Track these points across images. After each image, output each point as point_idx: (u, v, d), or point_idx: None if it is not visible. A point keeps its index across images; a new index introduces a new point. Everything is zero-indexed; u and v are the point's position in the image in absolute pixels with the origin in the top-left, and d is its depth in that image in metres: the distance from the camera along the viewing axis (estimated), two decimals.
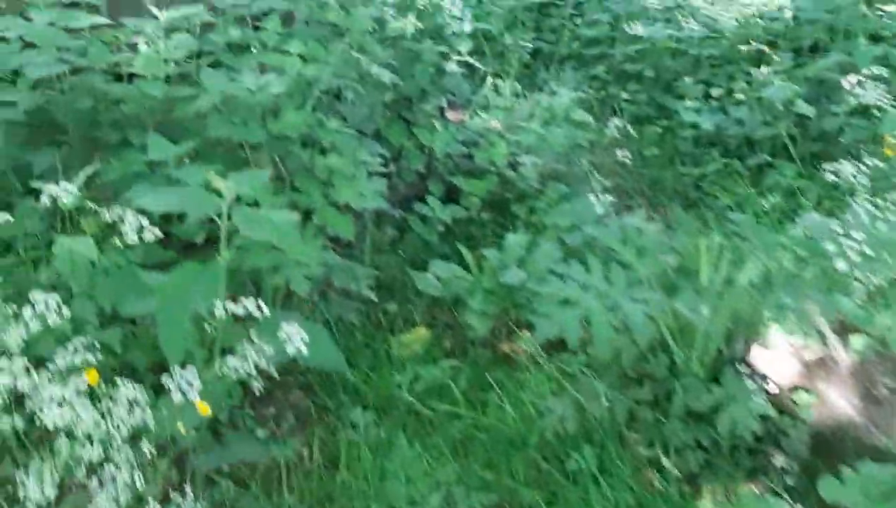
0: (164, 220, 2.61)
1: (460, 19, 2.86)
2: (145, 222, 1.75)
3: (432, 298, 2.99)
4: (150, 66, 2.47)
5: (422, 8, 2.95)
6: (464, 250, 3.00)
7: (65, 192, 1.74)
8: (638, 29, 4.42)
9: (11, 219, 1.81)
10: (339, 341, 2.73)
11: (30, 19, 2.64)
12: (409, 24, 2.71)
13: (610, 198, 2.62)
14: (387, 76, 2.65)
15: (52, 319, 1.50)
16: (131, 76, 2.73)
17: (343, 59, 2.59)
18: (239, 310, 1.48)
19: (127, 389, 1.47)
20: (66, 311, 1.53)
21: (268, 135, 2.57)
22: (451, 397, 2.55)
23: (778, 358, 2.37)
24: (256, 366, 1.48)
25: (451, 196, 3.49)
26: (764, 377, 2.27)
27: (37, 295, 1.54)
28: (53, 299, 1.53)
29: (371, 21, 2.70)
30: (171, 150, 2.36)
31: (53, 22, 2.58)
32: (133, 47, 2.98)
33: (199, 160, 2.60)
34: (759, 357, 2.37)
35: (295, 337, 1.49)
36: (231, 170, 2.73)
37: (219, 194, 1.44)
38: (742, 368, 2.31)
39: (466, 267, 2.99)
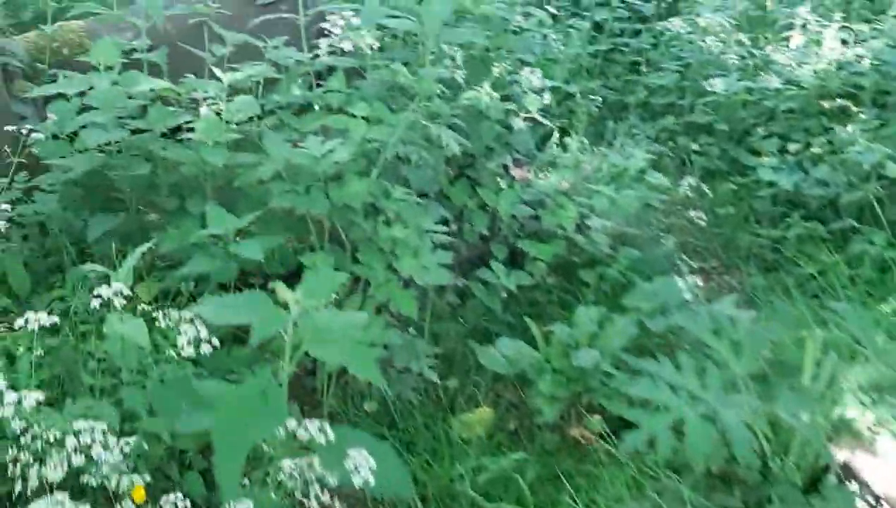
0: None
1: (540, 91, 2.70)
2: (203, 331, 1.62)
3: (495, 373, 2.81)
4: (211, 131, 2.37)
5: (497, 76, 2.81)
6: (531, 324, 2.82)
7: (116, 295, 1.61)
8: (717, 85, 4.21)
9: (55, 319, 1.67)
10: (398, 423, 2.57)
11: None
12: (485, 94, 2.57)
13: (698, 281, 2.42)
14: (455, 145, 2.50)
15: (97, 451, 1.36)
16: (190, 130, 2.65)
17: (410, 123, 2.45)
18: (302, 433, 1.33)
19: None
20: (111, 441, 1.40)
21: (331, 204, 2.44)
22: (518, 491, 2.36)
23: (887, 467, 2.13)
24: (318, 499, 1.33)
25: (515, 258, 3.32)
26: (875, 495, 2.03)
27: (80, 424, 1.40)
28: (99, 427, 1.39)
29: (438, 84, 2.56)
30: (231, 223, 2.24)
31: (115, 81, 2.50)
32: (194, 103, 2.90)
33: (258, 226, 2.48)
34: (864, 466, 2.13)
35: (363, 465, 1.34)
36: (290, 235, 2.63)
37: (285, 306, 1.30)
38: (846, 479, 2.08)
39: (532, 341, 2.81)
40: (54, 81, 3.47)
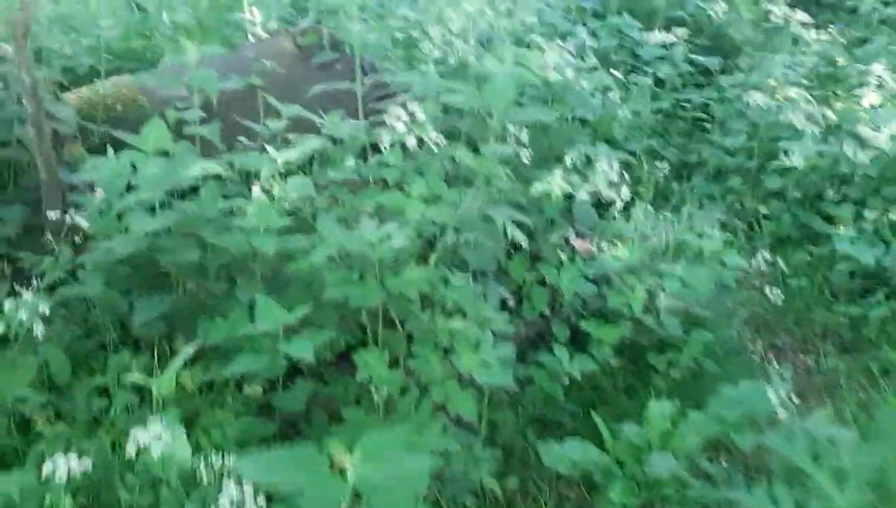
0: (268, 385, 2.37)
1: (617, 183, 2.53)
2: (248, 492, 1.45)
3: (558, 471, 2.60)
4: (263, 217, 2.24)
5: (571, 165, 2.64)
6: (598, 421, 2.61)
7: (158, 440, 1.47)
8: (796, 157, 3.97)
9: (87, 464, 1.52)
10: None
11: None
12: (557, 186, 2.40)
13: (790, 388, 2.19)
14: (521, 236, 2.34)
15: None
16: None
17: (470, 207, 2.29)
18: None
19: None
20: None
21: (386, 292, 2.28)
22: None
23: None
24: None
25: (577, 337, 3.12)
26: None
27: None
28: None
29: (502, 167, 2.40)
30: (280, 317, 2.10)
31: (167, 153, 2.40)
32: (245, 176, 2.80)
33: (311, 316, 2.33)
34: None
35: None
36: (339, 326, 2.48)
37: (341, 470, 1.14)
38: None
39: (596, 430, 2.60)
40: (105, 144, 3.42)
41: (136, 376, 1.70)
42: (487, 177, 2.39)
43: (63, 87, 3.86)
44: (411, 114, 2.19)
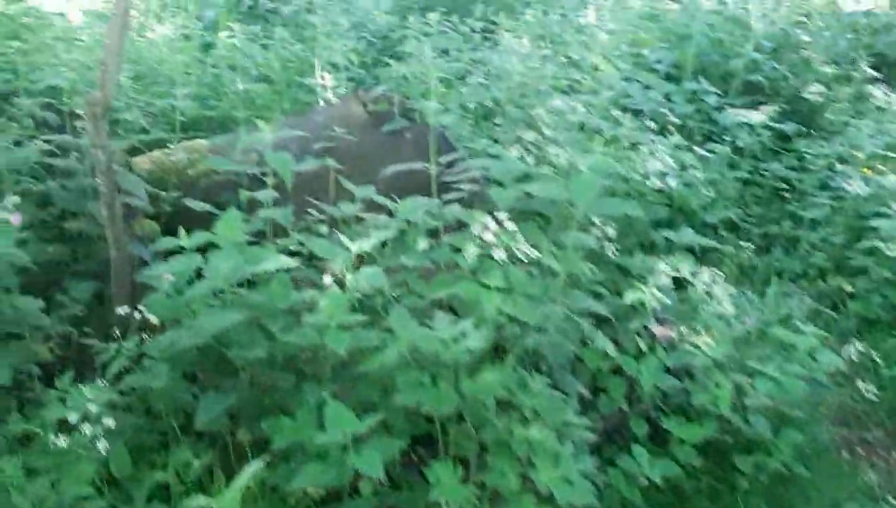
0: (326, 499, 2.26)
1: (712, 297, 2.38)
2: None
3: None
4: (335, 312, 2.14)
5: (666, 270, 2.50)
6: None
7: None
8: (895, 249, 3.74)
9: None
10: None
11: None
12: (650, 296, 2.26)
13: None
14: (610, 347, 2.19)
15: None
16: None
17: (553, 310, 2.16)
18: None
19: None
20: None
21: (460, 397, 2.15)
22: None
23: None
24: None
25: (657, 431, 2.93)
26: None
27: None
28: None
29: (586, 263, 2.26)
30: (349, 425, 1.98)
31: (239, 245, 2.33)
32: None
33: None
34: None
35: None
36: (408, 422, 2.35)
37: None
38: None
39: None
40: (176, 213, 3.39)
41: (200, 500, 1.60)
42: (570, 274, 2.26)
43: (135, 150, 3.87)
44: (500, 223, 2.07)
